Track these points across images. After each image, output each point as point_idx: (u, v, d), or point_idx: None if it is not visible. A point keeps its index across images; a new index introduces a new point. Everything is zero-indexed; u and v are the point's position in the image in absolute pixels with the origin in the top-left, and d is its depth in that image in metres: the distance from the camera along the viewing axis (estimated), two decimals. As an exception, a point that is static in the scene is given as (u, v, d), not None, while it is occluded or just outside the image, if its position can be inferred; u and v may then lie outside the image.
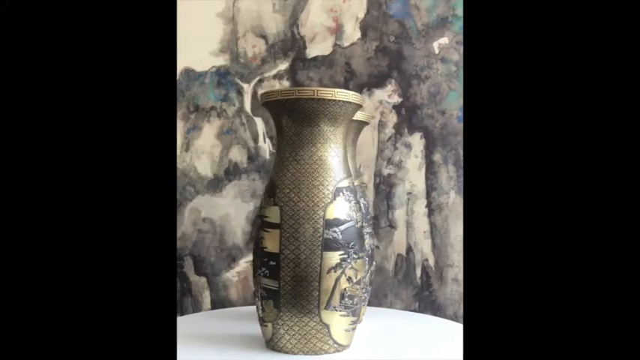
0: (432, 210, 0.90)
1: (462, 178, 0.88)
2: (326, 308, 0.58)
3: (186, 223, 0.97)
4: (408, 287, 0.90)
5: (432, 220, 0.89)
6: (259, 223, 0.60)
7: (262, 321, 0.61)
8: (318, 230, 0.57)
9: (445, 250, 0.89)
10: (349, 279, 0.59)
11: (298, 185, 0.58)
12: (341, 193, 0.59)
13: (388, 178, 0.91)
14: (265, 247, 0.59)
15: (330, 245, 0.58)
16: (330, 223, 0.58)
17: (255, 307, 0.84)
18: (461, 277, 0.88)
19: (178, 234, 0.96)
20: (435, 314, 0.88)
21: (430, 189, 0.90)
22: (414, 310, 0.89)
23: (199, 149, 0.97)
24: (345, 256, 0.58)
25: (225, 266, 0.96)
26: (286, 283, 0.57)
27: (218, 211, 0.96)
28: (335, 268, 0.58)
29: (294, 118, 0.59)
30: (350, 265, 0.59)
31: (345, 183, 0.60)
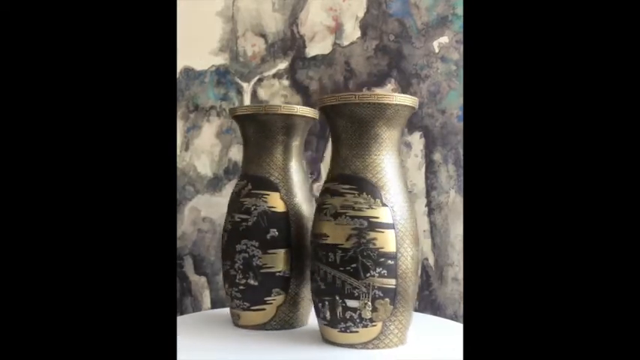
0: (431, 209, 0.90)
1: (461, 178, 0.88)
2: (417, 299, 0.64)
3: (185, 223, 0.97)
4: (407, 286, 0.90)
5: (432, 219, 0.89)
6: (365, 225, 0.60)
7: (369, 322, 0.60)
8: (415, 228, 0.63)
9: (445, 249, 0.89)
10: None
11: (400, 187, 0.62)
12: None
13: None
14: (382, 248, 0.59)
15: (418, 242, 0.64)
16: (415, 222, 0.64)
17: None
18: (461, 276, 0.88)
19: (178, 233, 0.96)
20: (434, 314, 0.88)
21: (430, 188, 0.90)
22: (414, 310, 0.89)
23: (199, 148, 0.97)
24: None
25: (225, 265, 0.96)
26: (402, 280, 0.60)
27: (218, 210, 0.96)
28: (419, 261, 0.64)
29: (390, 125, 0.62)
30: None
31: None
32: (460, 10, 0.88)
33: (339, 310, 0.60)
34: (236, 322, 0.71)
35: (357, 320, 0.60)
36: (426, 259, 0.89)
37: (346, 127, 0.62)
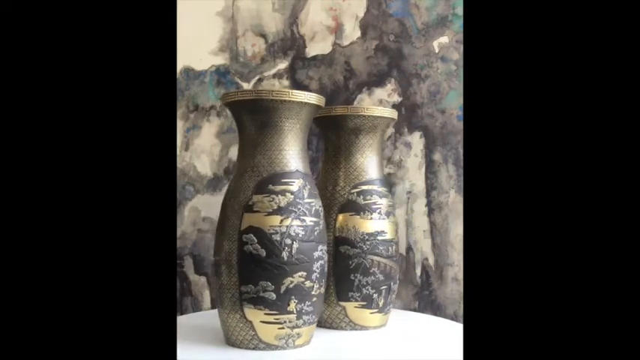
0: (431, 209, 0.90)
1: (461, 177, 0.88)
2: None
3: (185, 223, 0.97)
4: (407, 286, 0.90)
5: (432, 219, 0.89)
6: (398, 221, 0.74)
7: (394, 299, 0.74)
8: None
9: (445, 249, 0.89)
10: None
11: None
12: None
13: (388, 177, 0.91)
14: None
15: None
16: None
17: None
18: (461, 276, 0.88)
19: (178, 233, 0.96)
20: (434, 314, 0.88)
21: (430, 188, 0.90)
22: (414, 310, 0.89)
23: (199, 148, 0.97)
24: None
25: (225, 265, 0.96)
26: None
27: (218, 210, 0.96)
28: None
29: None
30: None
31: None
32: (460, 10, 0.88)
33: (392, 295, 0.71)
34: (292, 344, 0.60)
35: (394, 300, 0.72)
36: (426, 259, 0.89)
37: (375, 136, 0.72)
